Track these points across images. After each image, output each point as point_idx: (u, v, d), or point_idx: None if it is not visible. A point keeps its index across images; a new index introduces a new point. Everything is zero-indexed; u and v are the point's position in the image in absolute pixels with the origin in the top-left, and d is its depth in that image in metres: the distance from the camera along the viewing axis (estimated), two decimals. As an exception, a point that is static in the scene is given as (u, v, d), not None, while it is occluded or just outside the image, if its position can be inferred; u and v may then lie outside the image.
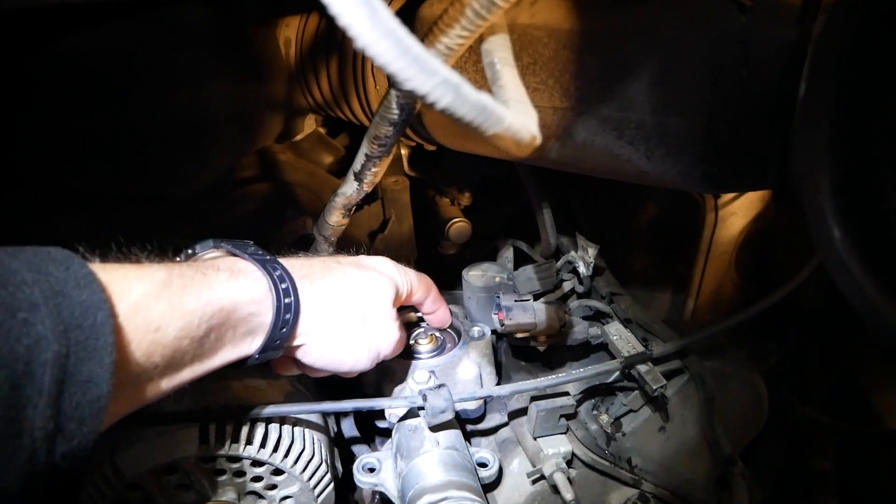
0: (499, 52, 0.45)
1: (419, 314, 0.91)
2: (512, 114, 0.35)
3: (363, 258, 0.75)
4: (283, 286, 0.61)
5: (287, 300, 0.61)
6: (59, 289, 0.42)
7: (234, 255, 0.63)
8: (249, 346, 0.61)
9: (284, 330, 0.62)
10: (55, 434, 0.41)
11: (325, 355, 0.68)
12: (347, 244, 0.90)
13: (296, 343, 0.66)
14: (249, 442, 0.71)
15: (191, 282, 0.54)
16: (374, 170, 0.67)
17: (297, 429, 0.76)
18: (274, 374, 0.75)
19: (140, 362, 0.49)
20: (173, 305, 0.51)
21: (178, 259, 0.65)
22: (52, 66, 0.87)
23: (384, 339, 0.72)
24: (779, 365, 1.09)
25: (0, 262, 0.41)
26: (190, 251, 0.65)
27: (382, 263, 0.76)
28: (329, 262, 0.71)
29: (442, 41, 0.46)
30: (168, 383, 0.54)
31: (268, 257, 0.63)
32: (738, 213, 0.96)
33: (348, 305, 0.68)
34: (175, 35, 0.90)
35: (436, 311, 0.87)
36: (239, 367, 0.62)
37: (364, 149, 0.65)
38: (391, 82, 0.64)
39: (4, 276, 0.40)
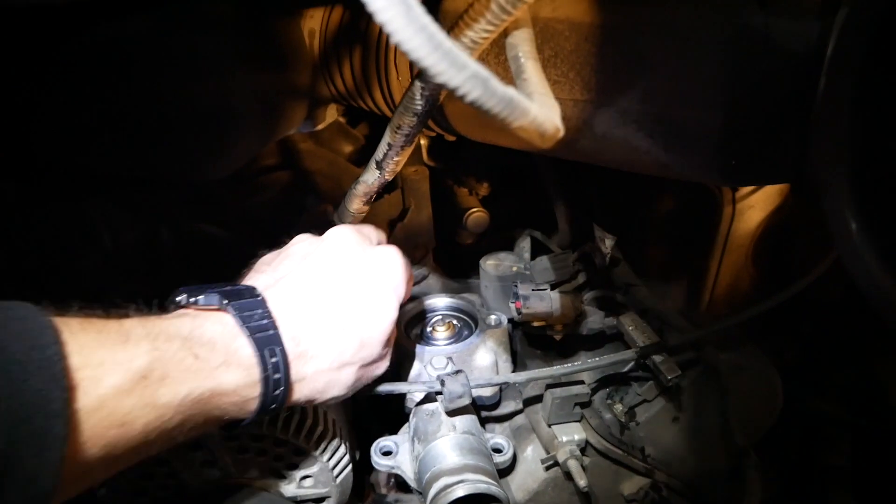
0: (523, 45, 0.46)
1: None
2: (536, 106, 0.37)
3: (376, 263, 0.68)
4: (276, 376, 0.57)
5: (276, 392, 0.58)
6: (16, 375, 0.39)
7: (237, 322, 0.57)
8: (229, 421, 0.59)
9: (270, 411, 0.59)
10: None
11: (319, 402, 0.66)
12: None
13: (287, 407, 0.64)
14: (273, 422, 0.73)
15: (175, 369, 0.50)
16: (395, 159, 0.68)
17: (318, 411, 0.78)
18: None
19: (98, 455, 0.46)
20: (146, 401, 0.48)
21: (179, 301, 0.60)
22: (81, 53, 0.89)
23: (377, 371, 0.70)
24: (795, 359, 1.10)
25: None
26: (193, 300, 0.59)
27: (392, 265, 0.69)
28: (333, 284, 0.64)
29: (467, 35, 0.47)
30: (129, 463, 0.51)
31: (271, 332, 0.58)
32: (756, 206, 0.96)
33: (346, 354, 0.63)
34: (201, 24, 0.91)
35: None
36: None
37: (387, 138, 0.66)
38: (416, 74, 0.65)
39: None
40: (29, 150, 0.98)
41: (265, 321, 0.58)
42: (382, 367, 0.70)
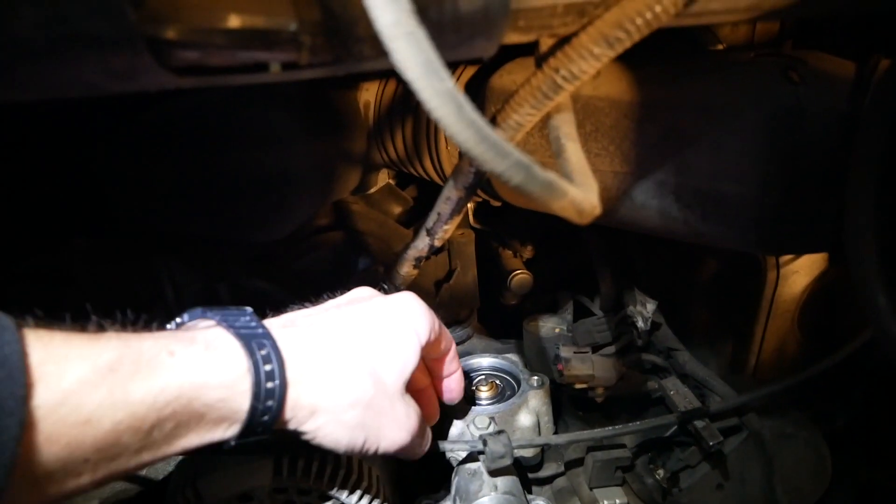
0: (564, 127, 0.50)
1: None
2: (574, 188, 0.40)
3: (391, 302, 0.65)
4: (268, 368, 0.52)
5: (270, 385, 0.52)
6: None
7: (220, 324, 0.54)
8: (224, 431, 0.53)
9: (266, 417, 0.53)
10: None
11: (317, 438, 0.58)
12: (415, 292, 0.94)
13: (286, 421, 0.56)
14: (319, 476, 0.75)
15: (146, 364, 0.46)
16: (445, 227, 0.73)
17: (363, 466, 0.80)
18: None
19: (59, 455, 0.42)
20: (114, 395, 0.44)
21: (168, 327, 0.57)
22: (158, 121, 0.97)
23: (388, 431, 0.61)
24: (845, 426, 1.07)
25: None
26: (179, 320, 0.57)
27: (409, 305, 0.65)
28: (341, 317, 0.62)
29: (513, 117, 0.51)
30: (103, 473, 0.46)
31: (259, 330, 0.54)
32: (801, 271, 0.96)
33: (351, 383, 0.58)
34: (267, 98, 0.99)
35: (452, 372, 0.76)
36: (220, 450, 0.55)
37: (437, 208, 0.71)
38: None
39: None
40: (102, 209, 1.06)
41: (253, 324, 0.54)
42: (394, 433, 0.62)
